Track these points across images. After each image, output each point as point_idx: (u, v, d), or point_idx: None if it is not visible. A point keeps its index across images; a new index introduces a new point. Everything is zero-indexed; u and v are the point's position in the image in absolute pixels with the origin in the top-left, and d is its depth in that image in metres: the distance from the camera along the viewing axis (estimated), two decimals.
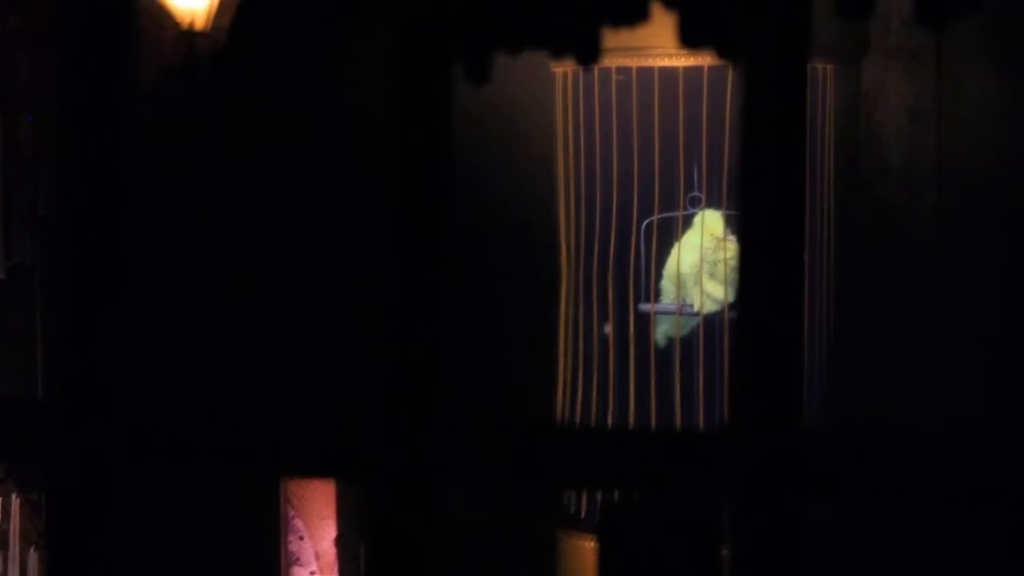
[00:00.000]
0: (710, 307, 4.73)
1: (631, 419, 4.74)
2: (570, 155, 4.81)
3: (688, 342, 4.76)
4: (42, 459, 1.79)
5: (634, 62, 4.59)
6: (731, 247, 4.70)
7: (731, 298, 4.72)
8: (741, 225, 1.41)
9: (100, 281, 1.66)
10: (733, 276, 4.74)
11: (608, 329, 4.78)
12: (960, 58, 5.12)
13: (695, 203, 4.75)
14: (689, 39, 1.60)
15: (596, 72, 4.65)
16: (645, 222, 4.75)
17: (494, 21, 1.64)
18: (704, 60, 4.56)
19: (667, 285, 4.78)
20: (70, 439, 1.65)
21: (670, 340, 4.76)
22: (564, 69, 4.78)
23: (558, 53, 1.69)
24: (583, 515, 4.79)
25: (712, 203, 4.74)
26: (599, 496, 4.47)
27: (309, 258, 5.31)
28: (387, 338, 1.58)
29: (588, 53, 1.68)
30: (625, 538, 1.55)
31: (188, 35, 5.01)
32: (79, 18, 1.64)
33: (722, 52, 1.53)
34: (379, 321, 1.61)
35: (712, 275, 4.72)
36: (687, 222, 4.76)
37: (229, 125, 5.22)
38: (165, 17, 5.01)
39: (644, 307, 4.78)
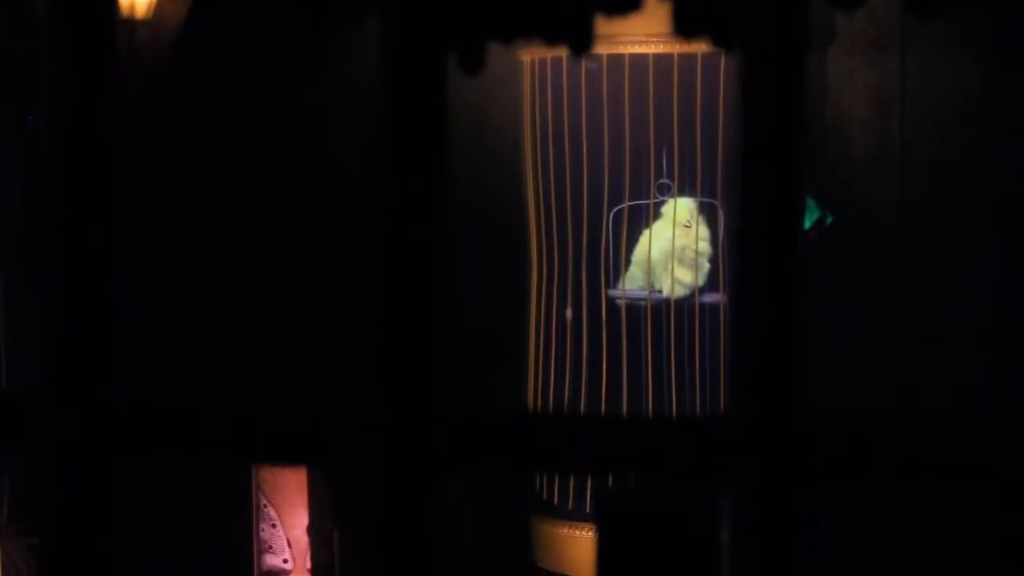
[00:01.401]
0: (680, 292, 4.75)
1: (602, 403, 4.76)
2: (539, 143, 4.82)
3: (658, 327, 4.77)
4: (23, 448, 1.79)
5: (604, 49, 4.59)
6: (699, 232, 4.72)
7: (700, 282, 4.74)
8: (740, 216, 1.42)
9: (88, 272, 1.65)
10: (701, 261, 4.77)
11: (569, 313, 4.79)
12: (924, 47, 5.16)
13: (665, 190, 4.76)
14: (684, 28, 1.61)
15: (565, 59, 4.65)
16: (615, 209, 4.76)
17: (487, 11, 1.64)
18: (674, 48, 4.57)
19: (636, 272, 4.79)
20: (52, 428, 1.64)
21: (641, 320, 4.77)
22: (532, 56, 4.78)
23: (552, 42, 1.69)
24: (556, 502, 4.81)
25: (682, 190, 4.76)
26: (584, 483, 4.49)
27: (292, 258, 5.31)
28: (383, 330, 1.58)
29: (582, 42, 1.69)
30: (623, 524, 1.56)
31: (129, 23, 4.95)
32: (63, 28, 1.63)
33: (717, 41, 1.54)
34: (373, 314, 1.61)
35: (680, 260, 4.74)
36: (657, 210, 4.78)
37: (185, 119, 5.21)
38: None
39: (615, 293, 4.79)
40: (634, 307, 4.78)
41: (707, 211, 4.77)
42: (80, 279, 1.61)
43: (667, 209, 4.74)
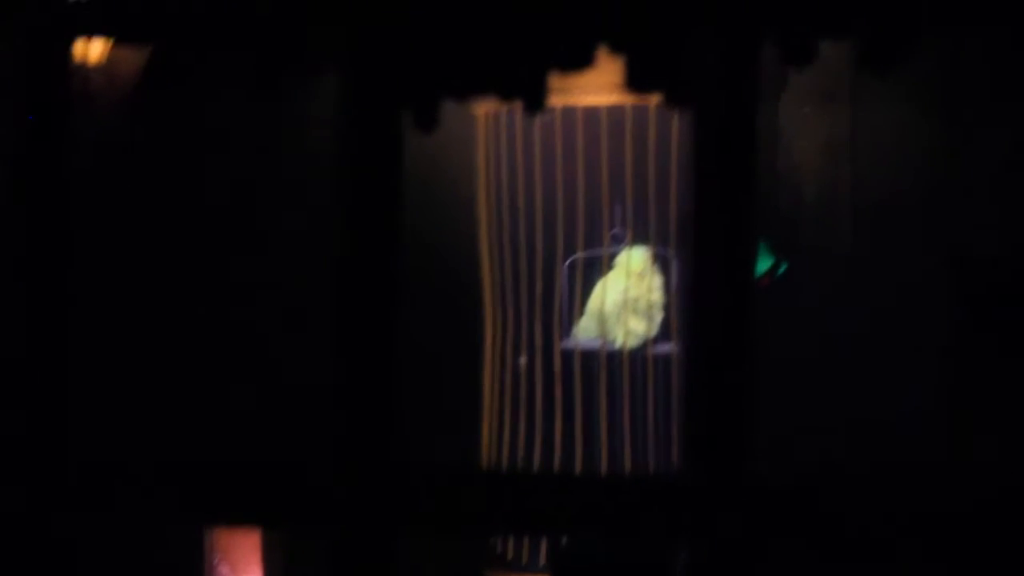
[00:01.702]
0: (632, 343, 4.75)
1: (557, 454, 4.75)
2: (493, 194, 4.83)
3: (612, 377, 4.78)
4: None
5: (558, 101, 4.62)
6: (653, 282, 4.74)
7: (653, 332, 4.75)
8: (693, 269, 1.43)
9: (46, 316, 1.65)
10: (654, 311, 4.78)
11: (523, 360, 4.80)
12: (874, 97, 5.20)
13: (618, 240, 4.78)
14: (636, 84, 1.62)
15: (519, 112, 4.67)
16: (569, 260, 4.78)
17: (442, 69, 1.65)
18: (627, 99, 4.60)
19: (590, 322, 4.80)
20: (14, 492, 1.63)
21: (595, 372, 4.78)
22: (486, 110, 4.80)
23: (506, 99, 1.70)
24: (510, 557, 4.79)
25: (636, 240, 4.77)
26: (543, 539, 4.47)
27: (248, 314, 5.29)
28: (340, 388, 1.57)
29: (535, 99, 1.70)
30: None
31: (82, 70, 4.96)
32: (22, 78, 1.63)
33: (670, 97, 1.55)
34: (333, 371, 1.61)
35: (634, 310, 4.75)
36: (611, 260, 4.79)
37: (138, 164, 5.19)
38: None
39: (568, 344, 4.80)
40: (588, 358, 4.79)
41: (660, 261, 4.79)
42: (39, 320, 1.60)
43: (621, 259, 4.76)
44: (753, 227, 1.48)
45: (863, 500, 1.47)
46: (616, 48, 1.55)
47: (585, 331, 4.80)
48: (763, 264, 5.02)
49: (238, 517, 1.87)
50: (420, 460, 1.65)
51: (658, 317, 4.78)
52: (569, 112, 4.67)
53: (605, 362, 4.77)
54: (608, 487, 1.47)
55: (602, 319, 4.77)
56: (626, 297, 4.72)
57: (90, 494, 1.63)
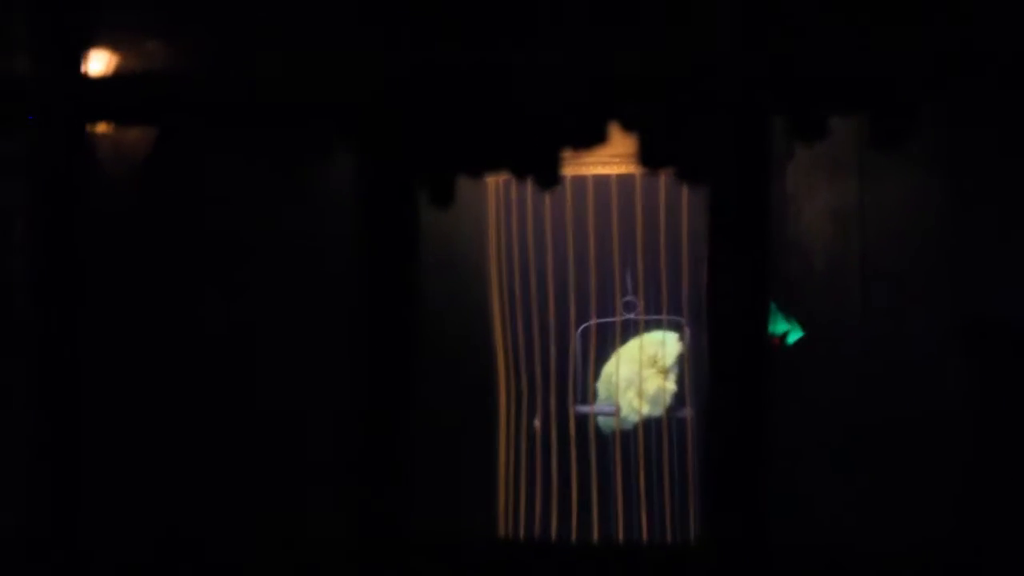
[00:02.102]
0: (634, 419, 4.78)
1: (573, 520, 4.75)
2: (503, 261, 4.86)
3: (626, 442, 4.79)
4: None
5: (568, 171, 4.65)
6: (665, 368, 4.77)
7: (655, 414, 4.78)
8: (710, 345, 1.45)
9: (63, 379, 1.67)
10: (662, 396, 4.80)
11: (537, 423, 4.82)
12: (883, 165, 5.23)
13: (630, 307, 4.80)
14: (649, 160, 1.65)
15: (529, 181, 4.70)
16: (582, 327, 4.80)
17: (457, 147, 1.68)
18: (636, 169, 4.63)
19: (603, 391, 4.82)
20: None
21: (609, 437, 4.79)
22: (496, 179, 4.84)
23: (520, 176, 1.73)
24: None
25: (648, 309, 4.80)
26: None
27: (253, 383, 5.31)
28: (358, 451, 1.59)
29: (548, 176, 1.73)
30: None
31: (90, 137, 4.99)
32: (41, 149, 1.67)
33: (683, 173, 1.58)
34: (350, 449, 1.63)
35: (641, 393, 4.78)
36: (623, 327, 4.81)
37: (144, 229, 5.23)
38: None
39: (582, 409, 4.82)
40: (604, 423, 4.80)
41: (673, 327, 4.81)
42: (57, 384, 1.62)
43: (640, 340, 4.78)
44: (767, 294, 1.50)
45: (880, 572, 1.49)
46: (628, 127, 1.58)
47: (598, 397, 4.82)
48: (777, 327, 5.04)
49: None
50: (436, 528, 1.67)
51: (669, 393, 4.80)
52: (579, 181, 4.71)
53: (619, 427, 4.78)
54: (627, 556, 1.49)
55: (611, 388, 4.79)
56: (639, 378, 4.76)
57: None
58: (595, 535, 4.73)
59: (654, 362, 4.79)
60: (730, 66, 1.43)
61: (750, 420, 1.46)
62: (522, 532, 4.77)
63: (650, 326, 4.82)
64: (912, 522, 4.94)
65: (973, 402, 5.02)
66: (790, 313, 5.08)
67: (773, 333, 5.01)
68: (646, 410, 4.79)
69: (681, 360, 4.80)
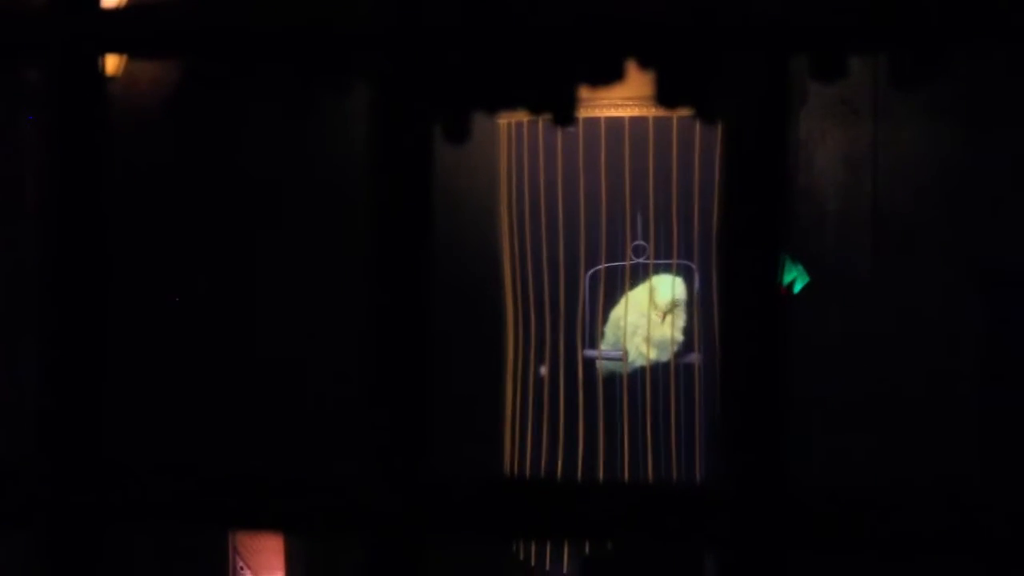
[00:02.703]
0: (639, 363, 4.78)
1: (579, 464, 4.76)
2: (514, 204, 4.85)
3: (634, 387, 4.80)
4: (12, 517, 1.79)
5: (580, 113, 4.63)
6: (676, 321, 4.77)
7: (661, 359, 4.77)
8: (722, 286, 1.44)
9: (79, 336, 1.66)
10: (669, 345, 4.80)
11: (543, 370, 4.82)
12: (897, 110, 5.21)
13: (640, 252, 4.80)
14: (666, 99, 1.63)
15: (541, 123, 4.69)
16: (591, 271, 4.79)
17: (472, 82, 1.67)
18: (649, 111, 4.61)
19: (609, 333, 4.81)
20: (54, 499, 1.65)
21: (617, 382, 4.80)
22: (508, 120, 4.82)
23: (536, 112, 1.71)
24: (534, 563, 4.80)
25: (658, 253, 4.79)
26: (563, 546, 4.49)
27: (275, 323, 5.32)
28: (373, 398, 1.59)
29: (565, 112, 1.71)
30: None
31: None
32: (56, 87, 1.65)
33: (700, 113, 1.56)
34: (363, 381, 1.62)
35: (647, 338, 4.78)
36: (632, 271, 4.81)
37: (155, 178, 5.22)
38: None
39: (590, 353, 4.82)
40: (610, 367, 4.80)
41: (682, 272, 4.81)
42: (71, 343, 1.62)
43: (651, 284, 4.77)
44: (782, 239, 1.50)
45: (892, 513, 1.48)
46: (645, 63, 1.57)
47: (606, 341, 4.82)
48: (789, 275, 5.04)
49: (263, 524, 1.89)
50: (444, 469, 1.67)
51: (671, 349, 4.80)
52: (592, 123, 4.69)
53: (627, 372, 4.78)
54: (636, 494, 1.48)
55: (619, 333, 4.79)
56: (647, 324, 4.75)
57: (118, 498, 1.65)
58: (600, 475, 4.74)
59: (662, 306, 4.78)
60: (746, 2, 1.41)
61: (766, 364, 1.45)
62: (528, 472, 4.78)
63: (659, 270, 4.81)
64: (925, 465, 4.95)
65: (984, 348, 5.02)
66: (796, 259, 5.07)
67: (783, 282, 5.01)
68: (653, 355, 4.79)
69: (689, 305, 4.80)
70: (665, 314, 4.74)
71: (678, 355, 4.80)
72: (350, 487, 1.59)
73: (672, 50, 1.48)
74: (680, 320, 4.77)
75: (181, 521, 1.83)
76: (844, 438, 5.09)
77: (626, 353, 4.78)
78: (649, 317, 4.75)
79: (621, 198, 4.74)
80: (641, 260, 4.80)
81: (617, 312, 4.80)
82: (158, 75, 5.19)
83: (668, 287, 4.77)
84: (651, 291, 4.76)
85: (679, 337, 4.78)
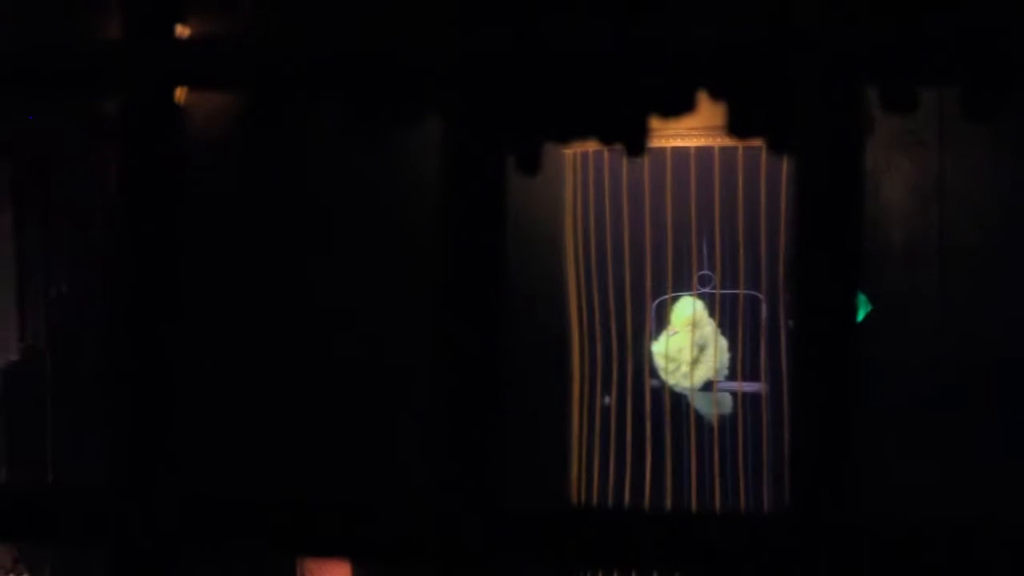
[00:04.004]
0: (683, 386, 4.78)
1: (647, 495, 4.76)
2: (580, 233, 4.86)
3: (700, 417, 4.80)
4: (97, 543, 1.81)
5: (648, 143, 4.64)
6: (694, 336, 4.77)
7: (695, 384, 4.77)
8: (796, 315, 1.45)
9: (152, 359, 1.69)
10: (699, 363, 4.79)
11: (607, 399, 4.83)
12: (963, 141, 5.19)
13: (706, 281, 4.80)
14: (738, 129, 1.64)
15: (607, 153, 4.70)
16: (657, 300, 4.80)
17: (545, 113, 1.68)
18: (715, 141, 4.62)
19: (667, 365, 4.83)
20: (127, 522, 1.67)
21: (683, 411, 4.80)
22: (574, 150, 4.84)
23: (607, 142, 1.73)
24: None
25: (724, 282, 4.79)
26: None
27: (343, 355, 5.35)
28: (446, 423, 1.60)
29: (636, 142, 1.72)
30: None
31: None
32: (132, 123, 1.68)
33: (773, 144, 1.57)
34: (432, 405, 1.64)
35: (674, 359, 4.79)
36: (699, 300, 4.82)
37: (221, 205, 5.27)
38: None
39: (657, 383, 4.82)
40: (677, 397, 4.81)
41: (749, 303, 4.80)
42: (145, 366, 1.64)
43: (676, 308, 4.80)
44: (857, 271, 1.50)
45: (958, 548, 1.48)
46: (716, 95, 1.58)
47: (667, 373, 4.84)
48: (862, 310, 5.03)
49: (331, 551, 1.91)
50: (512, 500, 1.68)
51: (703, 369, 4.79)
52: (658, 152, 4.71)
53: (694, 402, 4.78)
54: (701, 523, 1.49)
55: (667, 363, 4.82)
56: (666, 347, 4.76)
57: (196, 527, 1.67)
58: (667, 504, 4.73)
59: (678, 325, 4.78)
60: (819, 34, 1.41)
61: (837, 399, 1.45)
62: (595, 500, 4.78)
63: (704, 300, 4.81)
64: (989, 494, 4.91)
65: None
66: (861, 289, 5.05)
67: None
68: (684, 383, 4.79)
69: (755, 331, 4.79)
70: (679, 331, 4.74)
71: (746, 380, 4.79)
72: (421, 513, 1.60)
73: (744, 81, 1.49)
74: (697, 336, 4.75)
75: (250, 547, 1.85)
76: (915, 465, 5.05)
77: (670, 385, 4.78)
78: (691, 347, 4.76)
79: (687, 228, 4.74)
80: (707, 289, 4.80)
81: (659, 345, 4.82)
82: (220, 102, 5.25)
83: (687, 306, 4.77)
84: (671, 311, 4.78)
85: (715, 362, 4.77)
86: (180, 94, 4.69)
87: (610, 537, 1.59)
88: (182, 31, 1.73)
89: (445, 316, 1.60)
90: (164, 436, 1.65)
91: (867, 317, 5.08)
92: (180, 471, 1.66)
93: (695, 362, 4.76)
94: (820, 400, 1.45)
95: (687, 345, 4.75)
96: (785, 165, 4.51)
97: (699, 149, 4.68)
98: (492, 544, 1.52)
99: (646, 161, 4.72)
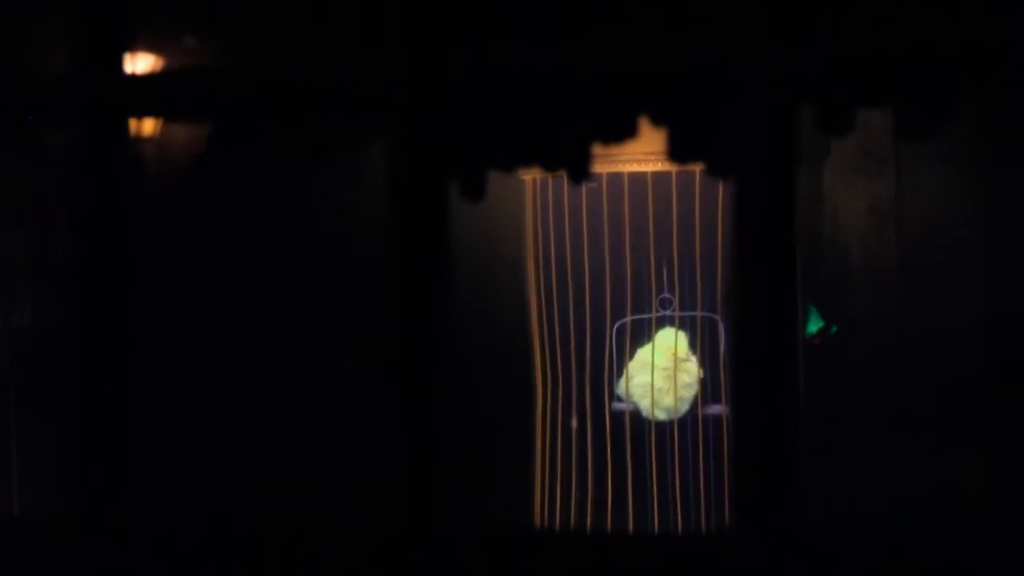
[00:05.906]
0: (661, 417, 4.80)
1: (609, 517, 4.78)
2: (540, 258, 4.89)
3: (662, 439, 4.82)
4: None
5: (604, 168, 4.68)
6: (690, 366, 4.79)
7: (681, 411, 4.79)
8: (733, 335, 1.47)
9: (110, 382, 1.70)
10: (683, 391, 4.81)
11: (574, 422, 4.85)
12: (920, 160, 5.23)
13: (666, 304, 4.83)
14: (678, 154, 1.67)
15: (566, 179, 4.73)
16: (618, 323, 4.82)
17: (488, 141, 1.71)
18: (672, 166, 4.65)
19: (635, 390, 4.85)
20: (82, 553, 1.68)
21: (645, 434, 4.82)
22: (533, 176, 4.87)
23: (550, 169, 1.75)
24: None
25: (684, 305, 4.82)
26: None
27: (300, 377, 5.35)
28: (393, 444, 1.62)
29: (580, 170, 1.75)
30: None
31: (136, 141, 5.04)
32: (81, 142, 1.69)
33: (711, 168, 1.60)
34: (382, 430, 1.65)
35: (665, 390, 4.80)
36: (659, 323, 4.84)
37: (188, 234, 5.27)
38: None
39: (619, 406, 4.84)
40: (638, 420, 4.83)
41: (708, 325, 4.83)
42: (94, 396, 1.65)
43: (657, 339, 4.81)
44: (794, 292, 1.52)
45: (907, 564, 1.50)
46: (656, 121, 1.61)
47: (629, 395, 4.86)
48: (814, 325, 5.05)
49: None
50: (471, 523, 1.69)
51: (693, 390, 4.82)
52: (615, 177, 4.74)
53: (654, 425, 4.80)
54: (663, 545, 1.51)
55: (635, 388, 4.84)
56: (666, 375, 4.78)
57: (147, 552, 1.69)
58: (630, 527, 4.75)
59: (664, 364, 4.81)
60: (756, 56, 1.45)
61: (776, 418, 1.48)
62: (558, 523, 4.80)
63: (664, 323, 4.84)
64: (949, 510, 4.94)
65: (1008, 397, 5.01)
66: (825, 313, 5.09)
67: (810, 333, 5.02)
68: (666, 408, 4.81)
69: (712, 357, 4.82)
70: (679, 364, 4.77)
71: (705, 404, 4.82)
72: (372, 538, 1.62)
73: (678, 105, 1.52)
74: (686, 376, 4.79)
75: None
76: (872, 478, 5.08)
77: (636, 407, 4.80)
78: (663, 370, 4.78)
79: (646, 252, 4.77)
80: (667, 312, 4.83)
81: (634, 366, 4.83)
82: (192, 132, 5.25)
83: (669, 336, 4.80)
84: (654, 348, 4.80)
85: (684, 394, 4.80)
86: (151, 126, 4.64)
87: (572, 558, 1.61)
88: (130, 63, 1.75)
89: (390, 339, 1.62)
90: (118, 467, 1.66)
91: (834, 335, 5.12)
92: (140, 498, 1.66)
93: (679, 390, 4.79)
94: (760, 418, 1.47)
95: (670, 375, 4.77)
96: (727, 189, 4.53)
97: (656, 174, 4.71)
98: (436, 571, 1.54)
99: (604, 186, 4.76)
